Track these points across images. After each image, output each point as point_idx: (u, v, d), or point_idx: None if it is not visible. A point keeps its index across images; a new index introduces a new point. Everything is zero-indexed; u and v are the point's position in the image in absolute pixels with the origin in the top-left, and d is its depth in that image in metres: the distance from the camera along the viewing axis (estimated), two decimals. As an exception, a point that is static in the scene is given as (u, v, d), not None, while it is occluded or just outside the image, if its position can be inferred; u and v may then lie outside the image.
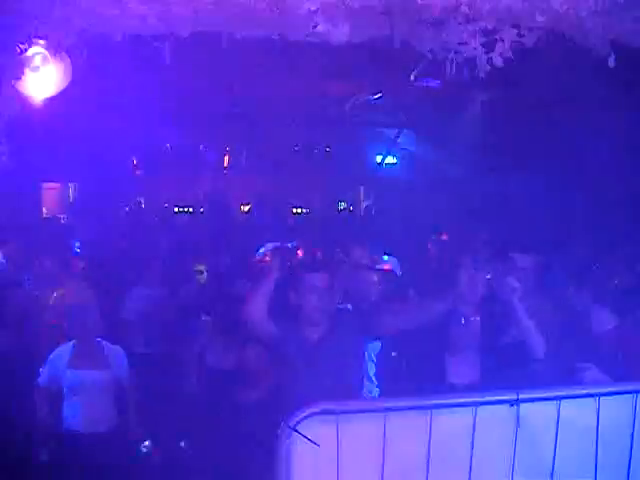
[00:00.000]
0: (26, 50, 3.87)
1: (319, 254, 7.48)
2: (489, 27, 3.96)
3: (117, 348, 5.02)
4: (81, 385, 4.79)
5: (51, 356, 4.90)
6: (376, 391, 4.67)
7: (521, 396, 2.83)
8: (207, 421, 4.83)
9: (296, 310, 4.16)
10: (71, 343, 4.93)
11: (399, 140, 14.42)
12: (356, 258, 5.35)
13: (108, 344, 4.99)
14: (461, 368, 4.13)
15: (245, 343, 4.93)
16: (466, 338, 4.15)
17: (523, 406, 2.83)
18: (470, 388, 3.99)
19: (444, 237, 9.16)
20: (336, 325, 4.20)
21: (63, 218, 13.50)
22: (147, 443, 4.95)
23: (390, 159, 15.42)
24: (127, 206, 14.77)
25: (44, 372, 4.86)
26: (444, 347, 4.14)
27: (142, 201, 15.47)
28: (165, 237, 9.24)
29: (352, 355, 4.18)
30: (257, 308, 4.03)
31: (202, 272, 6.60)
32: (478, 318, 4.19)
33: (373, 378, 4.71)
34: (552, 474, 2.91)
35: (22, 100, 4.06)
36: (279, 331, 4.07)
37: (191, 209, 15.37)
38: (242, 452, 4.71)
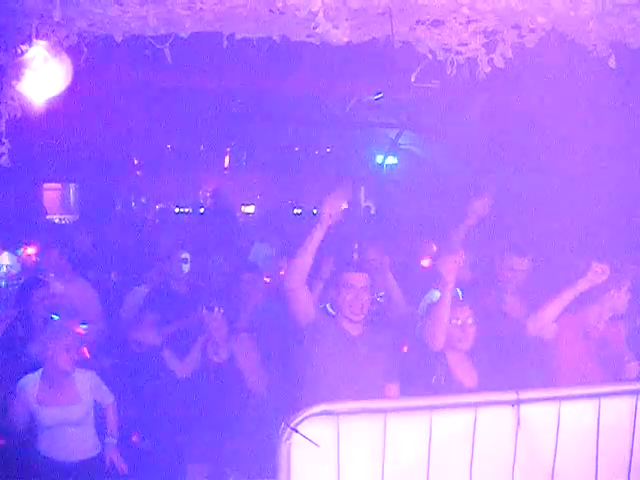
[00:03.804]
0: (26, 51, 3.87)
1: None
2: (490, 28, 3.96)
3: (89, 374, 4.65)
4: (53, 423, 4.48)
5: (20, 383, 4.50)
6: None
7: (522, 396, 2.83)
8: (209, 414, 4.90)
9: (337, 305, 4.26)
10: (38, 373, 4.53)
11: (400, 140, 14.41)
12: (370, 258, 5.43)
13: (79, 371, 4.59)
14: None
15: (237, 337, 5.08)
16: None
17: (524, 406, 2.83)
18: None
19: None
20: (374, 323, 4.38)
21: (65, 218, 13.51)
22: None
23: (391, 159, 15.42)
24: (128, 207, 14.79)
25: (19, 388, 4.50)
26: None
27: (143, 201, 15.49)
28: (165, 237, 9.23)
29: (388, 354, 4.23)
30: (297, 275, 4.05)
31: (187, 260, 6.50)
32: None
33: None
34: (552, 474, 2.91)
35: (22, 100, 4.06)
36: (319, 319, 4.14)
37: (191, 209, 15.39)
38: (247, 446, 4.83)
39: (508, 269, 4.94)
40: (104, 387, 4.75)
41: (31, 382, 4.51)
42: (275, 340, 5.37)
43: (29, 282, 5.85)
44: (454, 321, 4.16)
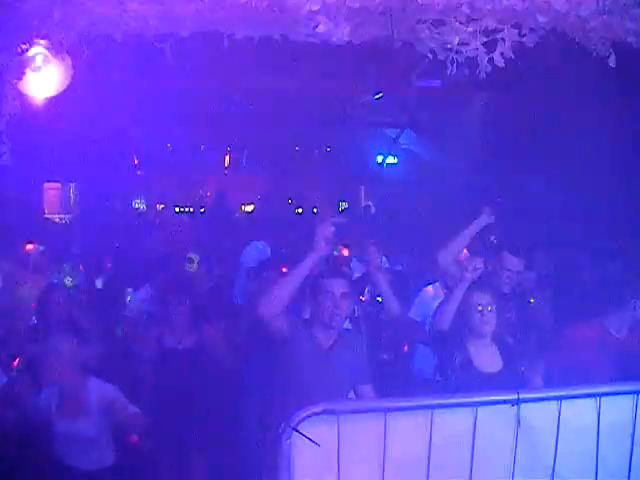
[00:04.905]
0: (27, 50, 3.88)
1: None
2: (490, 27, 3.96)
3: (107, 387, 4.39)
4: (70, 435, 4.36)
5: (44, 393, 4.41)
6: None
7: (522, 396, 2.83)
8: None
9: (312, 313, 4.06)
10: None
11: (400, 140, 14.42)
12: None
13: (96, 384, 4.39)
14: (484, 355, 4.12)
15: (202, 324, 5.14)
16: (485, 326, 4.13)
17: (524, 406, 2.83)
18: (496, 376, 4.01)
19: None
20: (349, 332, 4.21)
21: (64, 218, 13.52)
22: None
23: (391, 159, 15.43)
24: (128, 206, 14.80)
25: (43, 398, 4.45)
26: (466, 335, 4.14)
27: (142, 201, 15.51)
28: (165, 237, 9.25)
29: (360, 357, 4.10)
30: (275, 305, 3.80)
31: (193, 261, 6.53)
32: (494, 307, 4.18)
33: None
34: (553, 474, 2.91)
35: (23, 100, 4.06)
36: (290, 331, 3.92)
37: (191, 209, 15.40)
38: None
39: (504, 269, 4.91)
40: (122, 401, 4.39)
41: (54, 390, 4.43)
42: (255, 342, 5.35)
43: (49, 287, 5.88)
44: (477, 307, 4.08)
